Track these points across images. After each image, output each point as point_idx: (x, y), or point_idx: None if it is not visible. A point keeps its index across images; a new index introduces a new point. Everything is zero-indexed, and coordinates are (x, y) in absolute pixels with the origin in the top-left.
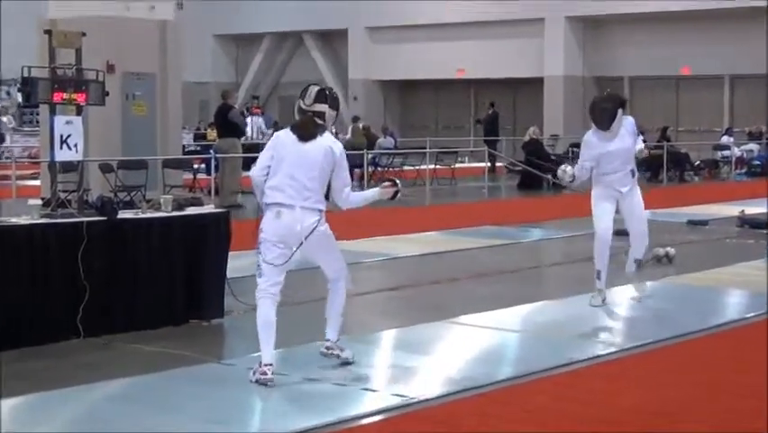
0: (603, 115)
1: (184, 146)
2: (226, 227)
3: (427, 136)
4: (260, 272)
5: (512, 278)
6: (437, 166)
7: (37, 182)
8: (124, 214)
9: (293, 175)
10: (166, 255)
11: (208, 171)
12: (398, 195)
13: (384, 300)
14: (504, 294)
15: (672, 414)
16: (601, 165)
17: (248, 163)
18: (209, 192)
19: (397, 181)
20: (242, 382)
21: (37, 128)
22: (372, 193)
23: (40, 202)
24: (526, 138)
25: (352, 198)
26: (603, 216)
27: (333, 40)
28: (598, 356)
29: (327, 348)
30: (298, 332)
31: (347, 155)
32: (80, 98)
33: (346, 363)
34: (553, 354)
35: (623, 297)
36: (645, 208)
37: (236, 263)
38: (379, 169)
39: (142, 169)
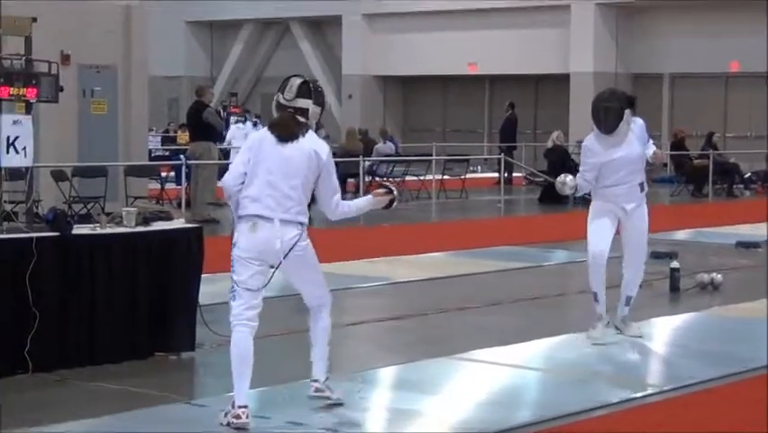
0: (607, 115)
1: (150, 151)
2: (198, 246)
3: (433, 141)
4: (233, 295)
5: (532, 307)
6: (445, 176)
7: None
8: (80, 229)
9: (272, 183)
10: (128, 278)
11: (178, 181)
12: (394, 204)
13: (381, 332)
14: (522, 326)
15: None
16: (604, 176)
17: (225, 172)
18: (179, 205)
19: (393, 189)
20: (215, 426)
21: None
22: (365, 202)
23: None
24: (549, 144)
25: (343, 207)
26: (599, 235)
27: (324, 29)
28: (633, 399)
29: (316, 390)
30: (283, 368)
31: (340, 163)
32: (30, 94)
33: (337, 404)
34: (580, 396)
35: (660, 331)
36: (688, 226)
37: (210, 288)
38: (377, 179)
39: (101, 177)
